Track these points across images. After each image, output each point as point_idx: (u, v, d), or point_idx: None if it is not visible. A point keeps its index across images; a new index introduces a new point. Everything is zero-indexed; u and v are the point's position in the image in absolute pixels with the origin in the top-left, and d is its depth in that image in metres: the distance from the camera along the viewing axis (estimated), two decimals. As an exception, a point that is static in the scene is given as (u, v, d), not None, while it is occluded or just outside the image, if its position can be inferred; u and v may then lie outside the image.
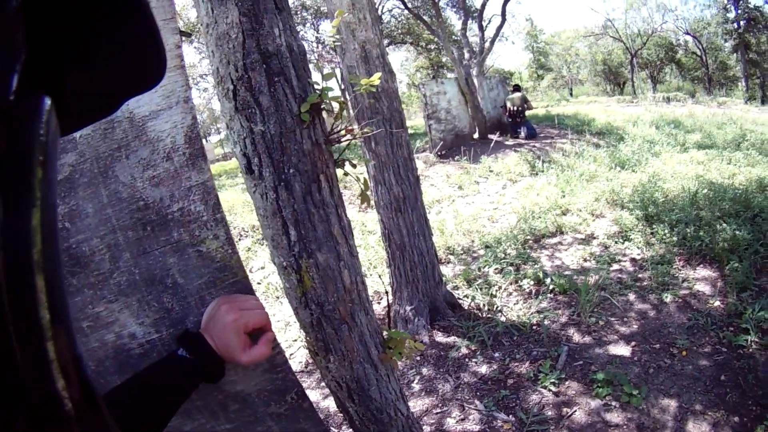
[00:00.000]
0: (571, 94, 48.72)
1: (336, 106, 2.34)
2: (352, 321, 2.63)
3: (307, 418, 2.64)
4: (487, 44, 20.99)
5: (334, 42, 3.30)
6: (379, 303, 6.82)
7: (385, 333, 2.95)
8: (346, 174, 2.35)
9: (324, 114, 2.42)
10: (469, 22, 22.01)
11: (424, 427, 4.58)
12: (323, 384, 4.67)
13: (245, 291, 2.36)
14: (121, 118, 2.15)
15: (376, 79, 2.34)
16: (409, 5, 23.69)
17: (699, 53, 44.01)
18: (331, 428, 3.79)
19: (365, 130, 2.43)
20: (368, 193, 2.43)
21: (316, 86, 2.30)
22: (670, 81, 48.85)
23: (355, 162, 2.48)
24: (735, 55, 41.24)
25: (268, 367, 2.48)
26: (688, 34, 44.66)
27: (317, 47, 31.62)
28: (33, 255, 0.40)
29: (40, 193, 0.42)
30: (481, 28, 21.94)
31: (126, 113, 2.13)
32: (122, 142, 2.17)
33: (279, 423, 2.62)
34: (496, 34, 21.15)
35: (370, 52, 5.40)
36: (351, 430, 3.57)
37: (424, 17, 23.29)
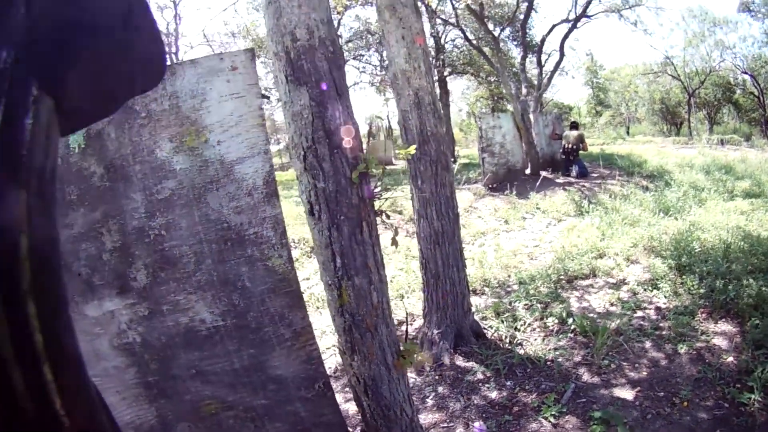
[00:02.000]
0: (628, 133, 47.57)
1: (378, 171, 3.43)
2: (375, 330, 3.57)
3: (328, 405, 3.53)
4: (545, 80, 21.04)
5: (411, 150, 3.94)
6: (411, 324, 7.19)
7: (402, 346, 3.84)
8: (382, 222, 3.54)
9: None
10: (529, 56, 22.14)
11: (429, 439, 4.94)
12: (347, 390, 5.25)
13: (297, 298, 3.29)
14: (214, 159, 3.06)
15: (412, 149, 3.51)
16: (470, 37, 23.95)
17: (757, 93, 42.36)
18: (348, 428, 4.13)
19: (393, 196, 3.52)
20: (397, 237, 3.69)
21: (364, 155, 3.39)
22: (728, 122, 47.42)
23: (390, 213, 3.36)
24: (794, 95, 40.10)
25: (306, 359, 3.38)
26: (745, 73, 43.26)
27: (380, 71, 32.16)
28: (22, 282, 0.42)
29: (32, 218, 0.45)
30: (540, 64, 22.06)
31: (218, 156, 3.06)
32: (214, 178, 3.06)
33: (305, 406, 3.48)
34: (554, 70, 21.27)
35: (422, 99, 5.93)
36: (363, 424, 4.12)
37: (485, 49, 23.40)
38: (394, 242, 3.64)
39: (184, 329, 3.18)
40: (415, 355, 3.82)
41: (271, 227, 3.13)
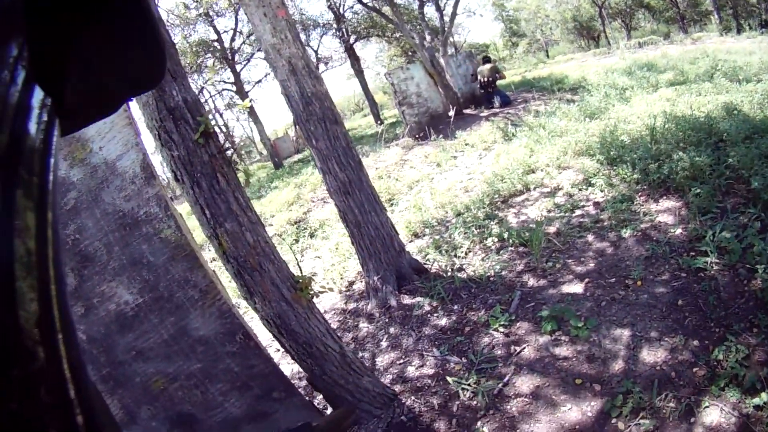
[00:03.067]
0: (547, 56, 48.11)
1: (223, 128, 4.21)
2: (261, 269, 3.83)
3: (256, 355, 3.76)
4: (447, 22, 21.02)
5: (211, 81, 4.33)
6: (362, 281, 7.14)
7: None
8: (237, 170, 4.01)
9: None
10: (428, 3, 22.13)
11: (387, 377, 4.96)
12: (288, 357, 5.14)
13: (194, 260, 3.58)
14: (100, 163, 3.45)
15: (247, 103, 3.81)
16: (365, 0, 23.94)
17: None
18: (293, 384, 4.14)
19: (238, 145, 3.88)
20: (249, 180, 4.25)
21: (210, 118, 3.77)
22: (644, 26, 48.27)
23: (239, 161, 3.64)
24: (704, -11, 40.73)
25: (218, 314, 3.63)
26: None
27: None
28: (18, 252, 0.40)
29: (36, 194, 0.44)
30: (439, 9, 22.01)
31: (102, 159, 3.46)
32: (103, 177, 3.45)
33: (234, 360, 3.70)
34: (454, 11, 21.10)
35: (296, 65, 6.05)
36: (306, 377, 4.18)
37: (385, 9, 23.32)
38: (246, 183, 4.14)
39: (115, 315, 3.48)
40: (311, 288, 4.05)
41: (155, 204, 3.52)
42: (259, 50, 29.51)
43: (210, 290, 3.61)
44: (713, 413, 3.54)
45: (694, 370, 3.92)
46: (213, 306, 3.60)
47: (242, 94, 29.34)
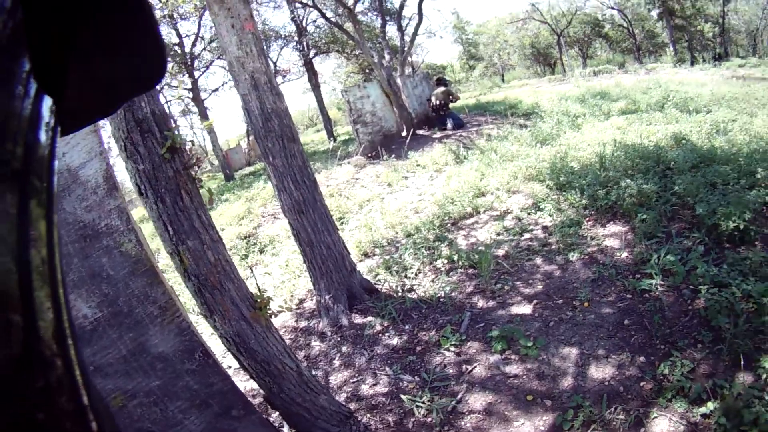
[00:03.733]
0: (503, 80, 48.72)
1: (189, 144, 3.91)
2: (221, 287, 3.82)
3: (215, 373, 3.69)
4: (407, 43, 21.08)
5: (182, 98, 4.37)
6: (312, 300, 7.15)
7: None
8: (201, 185, 3.97)
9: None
10: (388, 24, 22.22)
11: (341, 395, 4.99)
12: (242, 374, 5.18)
13: (154, 275, 3.51)
14: (63, 170, 3.33)
15: (210, 123, 3.90)
16: (329, 15, 23.89)
17: (626, 25, 44.17)
18: (251, 402, 4.15)
19: (203, 158, 3.87)
20: (212, 198, 4.20)
21: (175, 133, 3.77)
22: (600, 55, 49.27)
23: (202, 179, 3.95)
24: (661, 22, 41.38)
25: (178, 331, 3.57)
26: (612, 8, 44.86)
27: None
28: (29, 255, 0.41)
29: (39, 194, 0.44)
30: (400, 29, 21.95)
31: (65, 166, 3.34)
32: (65, 185, 3.33)
33: (194, 378, 3.62)
34: (415, 33, 21.23)
35: (258, 80, 6.04)
36: (263, 396, 4.17)
37: (347, 24, 23.20)
38: (210, 200, 4.12)
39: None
40: (269, 307, 4.07)
41: (117, 216, 3.43)
42: (219, 58, 29.33)
43: (169, 306, 3.55)
44: (662, 423, 3.72)
45: (642, 384, 4.10)
46: (172, 323, 3.55)
47: (198, 101, 28.96)
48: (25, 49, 0.46)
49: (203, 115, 29.26)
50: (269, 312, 4.11)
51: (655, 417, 3.77)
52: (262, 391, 4.31)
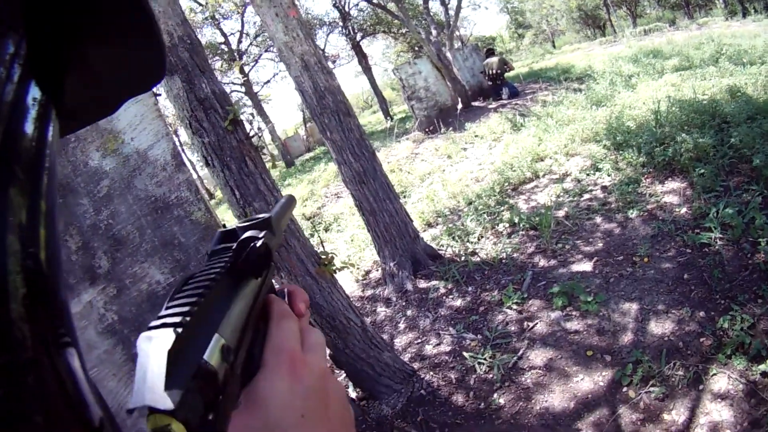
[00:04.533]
0: (554, 46, 47.89)
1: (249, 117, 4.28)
2: (287, 244, 4.11)
3: None
4: (452, 16, 21.05)
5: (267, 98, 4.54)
6: (378, 270, 7.35)
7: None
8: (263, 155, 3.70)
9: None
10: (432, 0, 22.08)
11: (405, 356, 5.13)
12: None
13: None
14: (132, 153, 3.51)
15: (267, 95, 3.93)
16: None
17: None
18: None
19: (260, 130, 4.11)
20: (275, 164, 3.98)
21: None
22: (650, 13, 47.81)
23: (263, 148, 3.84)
24: (710, -26, 40.30)
25: None
26: None
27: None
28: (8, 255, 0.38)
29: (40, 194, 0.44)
30: (443, 3, 21.98)
31: (134, 149, 3.52)
32: (135, 166, 3.51)
33: None
34: (459, 5, 21.06)
35: (308, 62, 6.28)
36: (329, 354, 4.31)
37: (390, 5, 23.36)
38: (272, 166, 4.15)
39: (147, 294, 3.51)
40: (334, 264, 4.29)
41: (186, 188, 3.59)
42: (267, 51, 29.67)
43: None
44: (721, 380, 3.67)
45: (701, 340, 4.05)
46: None
47: (252, 95, 29.45)
48: (13, 30, 0.44)
49: (258, 108, 29.62)
50: (334, 268, 4.31)
51: (714, 374, 3.75)
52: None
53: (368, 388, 4.58)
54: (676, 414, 3.59)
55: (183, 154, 3.87)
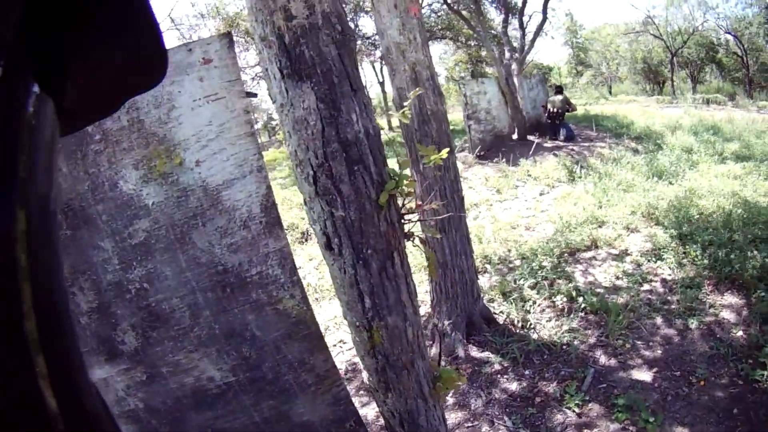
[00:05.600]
0: (610, 92, 47.73)
1: (411, 188, 2.67)
2: (411, 367, 2.98)
3: None
4: (527, 42, 20.72)
5: (406, 113, 3.11)
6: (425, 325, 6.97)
7: (438, 372, 3.33)
8: (414, 245, 2.81)
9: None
10: (510, 18, 21.82)
11: (455, 440, 4.81)
12: (362, 392, 5.18)
13: (317, 340, 2.86)
14: (194, 186, 2.49)
15: (444, 153, 2.79)
16: (449, 1, 23.55)
17: (740, 53, 42.49)
18: None
19: (433, 205, 2.89)
20: (434, 267, 2.92)
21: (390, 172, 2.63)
22: (710, 81, 47.46)
23: (421, 236, 2.93)
24: (776, 55, 40.24)
25: (333, 401, 2.97)
26: (728, 33, 43.35)
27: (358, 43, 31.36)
28: (18, 262, 0.40)
29: (28, 196, 0.43)
30: (522, 26, 21.60)
31: (198, 181, 2.49)
32: (197, 210, 2.51)
33: None
34: (537, 33, 20.70)
35: (420, 74, 5.48)
36: None
37: (464, 12, 23.03)
38: (432, 272, 3.27)
39: (191, 390, 2.77)
40: (454, 381, 3.37)
41: (277, 264, 2.65)
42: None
43: (329, 376, 2.94)
44: None
45: None
46: (329, 393, 2.96)
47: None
48: (12, 32, 0.43)
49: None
50: (455, 385, 3.44)
51: None
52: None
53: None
54: None
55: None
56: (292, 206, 12.35)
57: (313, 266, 9.24)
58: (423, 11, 29.10)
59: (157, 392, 2.68)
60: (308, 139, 2.42)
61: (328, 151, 2.41)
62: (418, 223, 2.95)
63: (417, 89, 3.17)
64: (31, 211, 0.42)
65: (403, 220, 2.74)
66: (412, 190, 2.71)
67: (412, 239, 2.84)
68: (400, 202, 2.73)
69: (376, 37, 21.97)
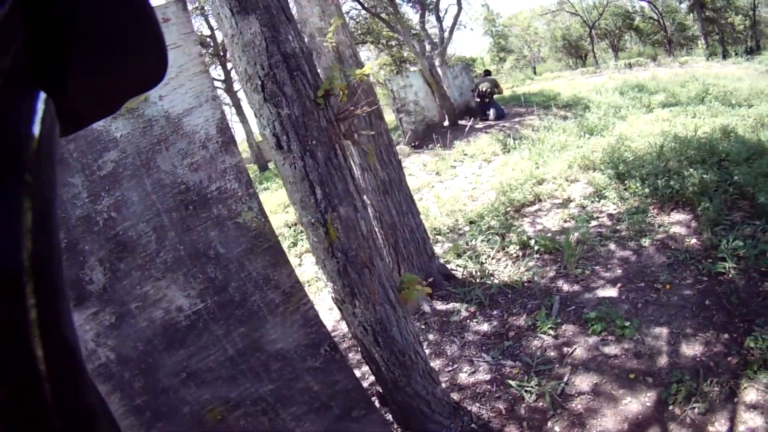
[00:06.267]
0: (534, 73, 48.15)
1: (339, 92, 3.21)
2: (372, 265, 3.19)
3: (340, 369, 3.12)
4: (446, 34, 21.04)
5: (328, 41, 3.73)
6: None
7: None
8: (353, 143, 3.09)
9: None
10: (427, 14, 22.18)
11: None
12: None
13: (278, 253, 2.88)
14: (158, 116, 2.65)
15: (368, 68, 3.21)
16: (366, 5, 23.73)
17: (656, 17, 43.60)
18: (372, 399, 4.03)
19: (364, 108, 3.20)
20: (372, 155, 3.22)
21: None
22: (631, 48, 48.56)
23: (363, 132, 3.24)
24: (692, 15, 40.74)
25: (303, 322, 2.95)
26: (643, 0, 44.60)
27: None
28: (22, 255, 0.40)
29: (33, 193, 0.43)
30: (439, 19, 21.87)
31: (162, 112, 2.65)
32: (161, 137, 2.66)
33: (316, 377, 3.05)
34: (454, 23, 21.21)
35: (343, 53, 5.78)
36: (377, 382, 3.96)
37: (382, 15, 23.33)
38: (371, 158, 3.49)
39: (161, 326, 2.73)
40: (417, 285, 3.49)
41: (234, 178, 2.77)
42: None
43: (295, 292, 2.91)
44: (752, 393, 3.94)
45: (728, 359, 4.30)
46: (297, 312, 2.92)
47: (231, 92, 29.13)
48: (17, 37, 0.44)
49: (237, 107, 29.37)
50: (418, 291, 3.52)
51: (745, 388, 3.98)
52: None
53: (417, 427, 3.96)
54: (719, 425, 3.78)
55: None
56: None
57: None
58: (346, 22, 29.27)
59: (128, 335, 2.67)
60: (255, 56, 3.00)
61: (272, 62, 2.99)
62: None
63: (337, 19, 3.67)
64: (35, 210, 0.43)
65: (340, 119, 3.23)
66: (344, 95, 3.25)
67: (350, 137, 3.35)
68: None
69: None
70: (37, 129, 0.46)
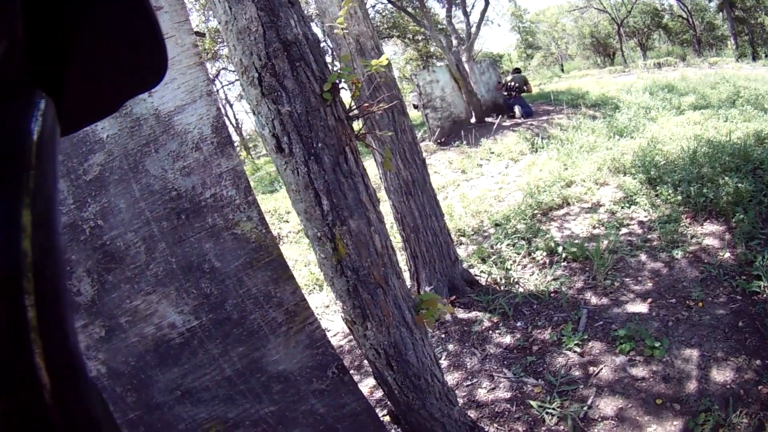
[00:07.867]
0: (562, 70, 47.99)
1: (353, 85, 2.77)
2: (386, 285, 2.81)
3: (349, 392, 2.86)
4: (473, 29, 20.86)
5: (342, 30, 3.32)
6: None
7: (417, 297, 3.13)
8: (367, 146, 2.68)
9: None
10: (453, 9, 21.98)
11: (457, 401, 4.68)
12: (356, 365, 4.95)
13: (281, 268, 2.61)
14: (146, 115, 2.39)
15: (384, 59, 2.73)
16: (393, -1, 23.66)
17: (685, 16, 43.26)
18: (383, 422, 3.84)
19: (381, 105, 2.75)
20: (389, 160, 2.78)
21: (332, 69, 2.63)
22: (660, 47, 48.16)
23: (380, 133, 2.82)
24: (721, 14, 40.54)
25: (309, 343, 2.69)
26: None
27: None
28: (21, 257, 0.39)
29: (32, 194, 0.41)
30: (466, 14, 21.77)
31: (151, 110, 2.40)
32: (150, 137, 2.41)
33: (322, 400, 2.81)
34: (482, 18, 21.06)
35: (364, 45, 5.48)
36: (390, 404, 3.69)
37: (408, 9, 23.23)
38: (387, 164, 3.14)
39: (153, 342, 2.53)
40: (438, 305, 3.12)
41: (231, 184, 2.49)
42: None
43: (300, 311, 2.67)
44: None
45: (759, 387, 4.03)
46: (302, 332, 2.69)
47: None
48: (15, 36, 0.42)
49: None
50: (438, 313, 3.15)
51: None
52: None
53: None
54: (746, 461, 3.56)
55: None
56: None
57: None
58: (367, 12, 29.15)
59: (118, 350, 2.49)
60: (251, 45, 2.58)
61: (270, 51, 2.56)
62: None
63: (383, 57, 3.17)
64: (35, 211, 0.41)
65: (352, 118, 2.76)
66: (357, 90, 2.77)
67: (363, 138, 2.84)
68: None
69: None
70: (37, 129, 0.44)
